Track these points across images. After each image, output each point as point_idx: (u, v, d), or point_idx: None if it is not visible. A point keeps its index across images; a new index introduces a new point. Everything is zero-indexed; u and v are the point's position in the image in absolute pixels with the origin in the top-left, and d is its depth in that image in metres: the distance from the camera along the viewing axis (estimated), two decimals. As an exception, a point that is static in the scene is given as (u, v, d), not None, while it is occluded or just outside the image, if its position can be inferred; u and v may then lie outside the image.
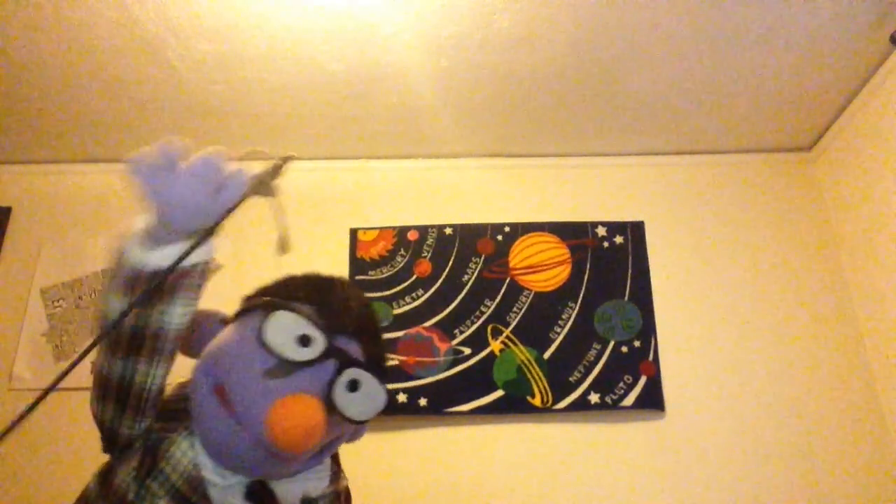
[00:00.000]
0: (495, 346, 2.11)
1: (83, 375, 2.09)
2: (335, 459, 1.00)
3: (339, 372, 0.83)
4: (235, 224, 2.50)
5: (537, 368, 2.08)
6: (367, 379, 0.86)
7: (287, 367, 0.81)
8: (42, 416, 2.02)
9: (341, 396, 0.83)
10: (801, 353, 2.12)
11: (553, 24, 1.79)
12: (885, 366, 2.03)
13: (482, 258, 2.23)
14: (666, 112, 2.18)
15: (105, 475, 0.85)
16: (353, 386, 0.84)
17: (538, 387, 2.06)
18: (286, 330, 0.83)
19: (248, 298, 0.95)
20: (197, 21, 1.76)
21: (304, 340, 0.83)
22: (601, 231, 2.26)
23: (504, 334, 2.13)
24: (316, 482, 0.93)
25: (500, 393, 2.06)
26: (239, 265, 2.24)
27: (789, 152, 2.40)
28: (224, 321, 0.93)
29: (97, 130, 2.23)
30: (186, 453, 0.82)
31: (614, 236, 2.26)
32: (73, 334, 2.14)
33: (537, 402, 2.05)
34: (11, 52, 1.86)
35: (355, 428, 0.95)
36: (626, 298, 2.17)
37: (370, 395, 0.86)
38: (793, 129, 2.29)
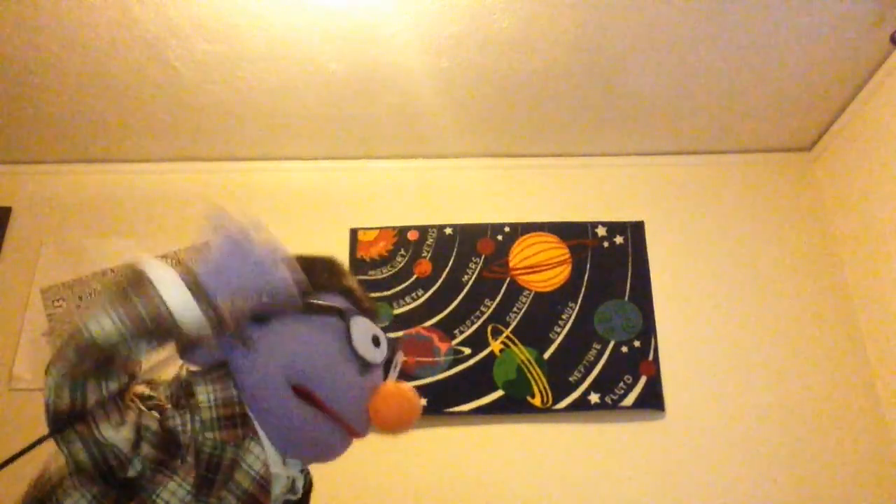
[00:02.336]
0: (495, 346, 2.11)
1: (83, 375, 2.09)
2: None
3: (390, 360, 0.95)
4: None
5: (537, 368, 2.08)
6: (399, 359, 0.98)
7: (369, 367, 0.90)
8: (42, 416, 2.02)
9: (391, 378, 0.94)
10: (801, 353, 2.12)
11: (553, 25, 1.79)
12: (885, 366, 2.03)
13: (482, 258, 2.23)
14: (666, 112, 2.18)
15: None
16: (396, 365, 0.96)
17: (538, 387, 2.06)
18: (366, 335, 0.92)
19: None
20: (197, 21, 1.76)
21: (377, 341, 0.92)
22: (601, 231, 2.26)
23: (504, 334, 2.13)
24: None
25: (500, 393, 2.06)
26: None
27: (789, 152, 2.40)
28: None
29: (97, 130, 2.23)
30: (259, 457, 0.82)
31: (614, 236, 2.26)
32: (73, 334, 2.14)
33: (537, 402, 2.05)
34: (11, 52, 1.86)
35: None
36: (626, 298, 2.17)
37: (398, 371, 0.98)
38: (793, 129, 2.29)
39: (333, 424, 0.87)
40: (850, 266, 2.19)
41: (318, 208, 2.34)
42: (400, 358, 1.00)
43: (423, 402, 0.97)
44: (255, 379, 0.85)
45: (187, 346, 0.83)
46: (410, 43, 1.85)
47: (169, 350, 0.81)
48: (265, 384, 0.85)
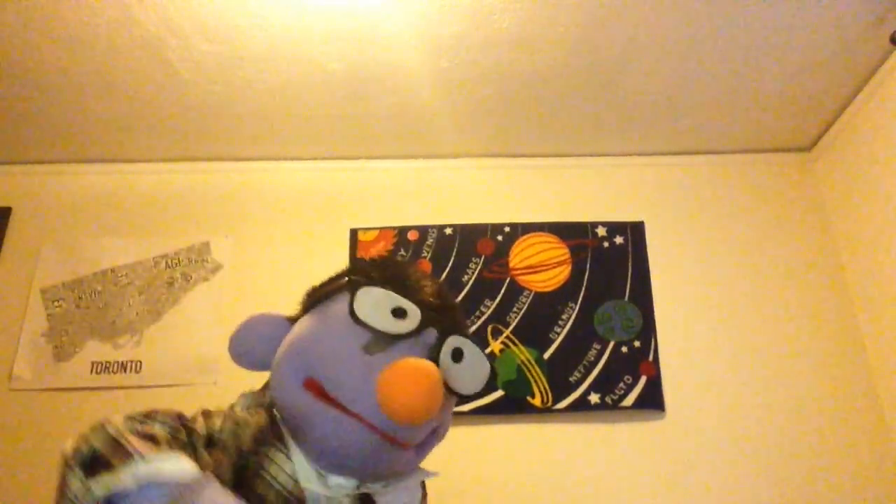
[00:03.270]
0: (495, 346, 2.11)
1: (82, 375, 2.09)
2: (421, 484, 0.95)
3: (441, 340, 0.78)
4: (236, 223, 2.47)
5: (537, 368, 2.08)
6: (469, 347, 0.81)
7: (386, 341, 0.75)
8: (42, 416, 2.02)
9: (446, 366, 0.77)
10: (801, 353, 2.12)
11: (553, 24, 1.79)
12: (885, 366, 2.03)
13: (482, 258, 2.23)
14: (666, 112, 2.18)
15: None
16: (458, 355, 0.79)
17: (538, 387, 2.06)
18: (378, 303, 0.77)
19: (315, 290, 0.88)
20: (197, 21, 1.76)
21: (399, 313, 0.77)
22: (601, 231, 2.26)
23: (504, 334, 2.13)
24: (413, 495, 0.87)
25: (500, 393, 2.06)
26: (239, 266, 2.24)
27: (789, 152, 2.40)
28: (290, 320, 0.86)
29: (97, 130, 2.23)
30: (284, 467, 0.72)
31: (614, 236, 2.26)
32: (73, 334, 2.14)
33: (537, 402, 2.05)
34: (11, 52, 1.86)
35: (439, 425, 0.87)
36: (626, 298, 2.17)
37: (474, 364, 0.81)
38: (793, 129, 2.29)
39: (340, 415, 0.72)
40: (850, 266, 2.19)
41: (318, 208, 2.34)
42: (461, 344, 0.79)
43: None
44: (274, 380, 0.79)
45: None
46: (410, 43, 1.85)
47: None
48: (280, 382, 0.78)
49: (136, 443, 0.64)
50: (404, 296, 0.79)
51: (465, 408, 2.03)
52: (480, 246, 2.25)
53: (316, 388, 0.74)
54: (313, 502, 0.72)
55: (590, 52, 1.89)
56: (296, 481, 0.72)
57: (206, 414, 0.76)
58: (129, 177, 2.40)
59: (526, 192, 2.36)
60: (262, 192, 2.37)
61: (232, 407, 0.80)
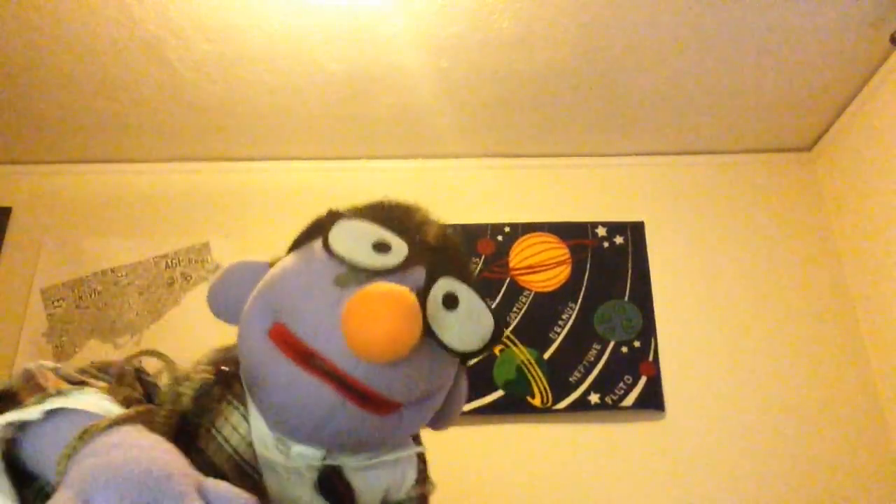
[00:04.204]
0: (495, 346, 2.11)
1: (83, 375, 2.09)
2: (422, 458, 0.86)
3: (430, 281, 0.65)
4: (236, 223, 2.47)
5: (537, 368, 2.08)
6: (466, 294, 0.67)
7: (362, 275, 0.63)
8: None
9: (436, 313, 0.64)
10: (801, 353, 2.12)
11: (553, 24, 1.79)
12: (885, 366, 2.03)
13: (482, 258, 2.23)
14: (666, 112, 2.17)
15: None
16: (451, 301, 0.65)
17: (538, 387, 2.06)
18: (358, 235, 0.66)
19: (300, 234, 0.79)
20: (197, 21, 1.76)
21: (382, 247, 0.65)
22: (601, 231, 2.26)
23: (504, 334, 2.13)
24: (399, 474, 0.77)
25: (499, 393, 2.06)
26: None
27: (789, 152, 2.40)
28: (272, 264, 0.75)
29: (97, 130, 2.23)
30: (238, 428, 0.63)
31: (614, 236, 2.26)
32: (73, 334, 2.14)
33: (537, 402, 2.05)
34: (11, 52, 1.86)
35: (445, 401, 0.78)
36: (626, 298, 2.17)
37: (472, 314, 0.66)
38: (793, 129, 2.29)
39: (296, 368, 0.61)
40: (850, 266, 2.19)
41: (317, 208, 2.33)
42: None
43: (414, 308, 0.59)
44: (240, 328, 0.68)
45: None
46: (410, 43, 1.85)
47: None
48: (244, 329, 0.67)
49: (53, 381, 0.58)
50: (392, 230, 0.68)
51: (466, 408, 2.03)
52: (480, 246, 2.25)
53: (282, 337, 0.63)
54: (270, 471, 0.63)
55: (590, 52, 1.89)
56: (250, 445, 0.63)
57: (172, 368, 0.70)
58: (129, 177, 2.40)
59: (526, 192, 2.36)
60: (262, 192, 2.37)
61: (198, 362, 0.72)
